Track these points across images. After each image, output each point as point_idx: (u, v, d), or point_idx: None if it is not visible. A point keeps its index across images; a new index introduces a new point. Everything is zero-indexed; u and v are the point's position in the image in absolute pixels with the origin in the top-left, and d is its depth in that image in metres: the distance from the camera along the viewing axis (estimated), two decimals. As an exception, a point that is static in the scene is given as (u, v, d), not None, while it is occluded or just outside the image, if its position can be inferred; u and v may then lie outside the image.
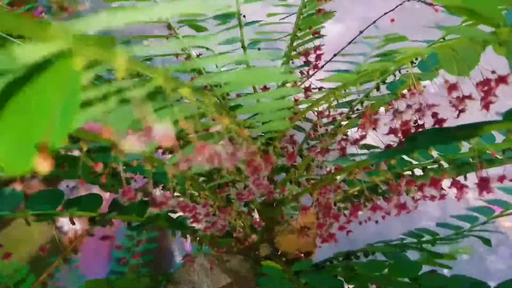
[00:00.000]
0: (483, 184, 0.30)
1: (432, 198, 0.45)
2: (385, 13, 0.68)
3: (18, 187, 0.21)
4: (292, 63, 0.59)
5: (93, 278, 1.09)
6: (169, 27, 0.60)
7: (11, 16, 0.14)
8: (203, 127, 0.28)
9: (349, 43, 0.56)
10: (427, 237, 0.65)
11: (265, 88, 0.53)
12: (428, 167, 0.45)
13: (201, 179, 0.54)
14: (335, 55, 0.57)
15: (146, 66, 0.17)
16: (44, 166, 0.15)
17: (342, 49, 0.56)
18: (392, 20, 0.71)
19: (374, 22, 0.69)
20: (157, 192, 0.33)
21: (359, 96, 0.53)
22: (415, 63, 0.42)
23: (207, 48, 0.65)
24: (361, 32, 0.68)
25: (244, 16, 0.59)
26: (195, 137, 0.21)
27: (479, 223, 0.63)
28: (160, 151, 0.50)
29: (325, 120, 0.54)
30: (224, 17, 0.59)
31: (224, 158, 0.24)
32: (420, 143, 0.25)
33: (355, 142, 0.41)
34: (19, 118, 0.15)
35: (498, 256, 1.53)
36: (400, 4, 0.67)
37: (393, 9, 0.68)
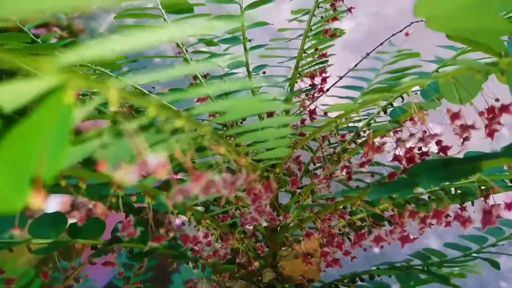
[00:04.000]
0: (487, 218, 0.29)
1: (439, 223, 0.44)
2: (396, 33, 0.68)
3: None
4: (301, 81, 0.59)
5: (99, 278, 1.08)
6: (177, 45, 0.61)
7: (3, 54, 0.14)
8: (201, 157, 0.28)
9: (355, 66, 0.56)
10: (434, 259, 0.64)
11: (270, 114, 0.53)
12: (433, 194, 0.44)
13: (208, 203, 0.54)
14: (340, 78, 0.57)
15: (139, 97, 0.17)
16: (37, 200, 0.16)
17: (346, 74, 0.56)
18: (407, 34, 0.71)
19: (382, 43, 0.69)
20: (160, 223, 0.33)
21: (368, 116, 0.53)
22: (420, 89, 0.42)
23: (217, 65, 0.65)
24: (368, 54, 0.68)
25: (249, 41, 0.60)
26: (192, 167, 0.21)
27: (488, 245, 0.62)
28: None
29: (333, 140, 0.54)
30: (230, 41, 0.60)
31: (223, 188, 0.24)
32: (423, 180, 0.25)
33: (361, 165, 0.41)
34: (12, 154, 0.15)
35: (510, 256, 1.48)
36: (409, 26, 0.67)
37: (402, 30, 0.68)
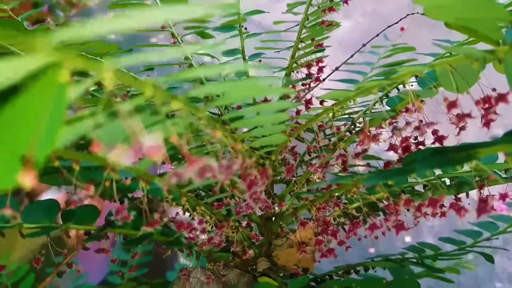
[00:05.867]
0: (482, 206, 0.29)
1: (434, 214, 0.44)
2: (392, 24, 0.68)
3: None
4: (297, 72, 0.59)
5: (93, 275, 1.07)
6: (172, 35, 0.61)
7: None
8: (197, 142, 0.27)
9: (350, 58, 0.56)
10: (428, 252, 0.64)
11: (265, 101, 0.53)
12: (428, 184, 0.44)
13: (201, 192, 0.54)
14: (336, 68, 0.56)
15: (134, 78, 0.17)
16: (28, 181, 0.15)
17: (341, 65, 0.56)
18: (402, 29, 0.71)
19: (378, 34, 0.69)
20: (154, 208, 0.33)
21: (364, 107, 0.53)
22: (416, 79, 0.42)
23: (212, 57, 0.65)
24: (364, 45, 0.68)
25: (245, 28, 0.59)
26: (187, 151, 0.21)
27: (482, 239, 0.63)
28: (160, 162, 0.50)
29: (328, 131, 0.54)
30: (225, 29, 0.59)
31: (218, 172, 0.24)
32: (418, 166, 0.25)
33: (356, 155, 0.41)
34: (4, 133, 0.15)
35: (504, 256, 1.49)
36: (405, 17, 0.67)
37: (398, 22, 0.67)
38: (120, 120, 0.18)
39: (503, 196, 0.41)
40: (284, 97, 0.55)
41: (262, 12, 0.59)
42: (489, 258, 0.61)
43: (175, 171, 0.19)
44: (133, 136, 0.17)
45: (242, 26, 0.59)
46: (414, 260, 0.63)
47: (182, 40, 0.60)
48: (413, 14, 0.61)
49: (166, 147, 0.18)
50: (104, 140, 0.18)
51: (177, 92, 0.57)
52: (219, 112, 0.57)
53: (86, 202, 0.29)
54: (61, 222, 0.42)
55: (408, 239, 1.34)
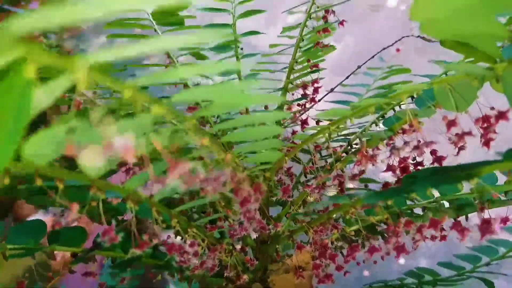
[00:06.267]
0: (485, 227, 0.28)
1: (433, 238, 0.43)
2: (387, 46, 0.68)
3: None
4: (292, 94, 0.58)
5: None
6: (168, 55, 0.60)
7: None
8: (186, 156, 0.26)
9: (346, 78, 0.56)
10: (427, 277, 0.63)
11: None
12: (428, 206, 0.43)
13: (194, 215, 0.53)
14: (332, 89, 0.56)
15: (111, 79, 0.16)
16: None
17: (337, 86, 0.55)
18: (398, 50, 0.70)
19: (373, 56, 0.69)
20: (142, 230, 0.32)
21: (359, 128, 0.52)
22: (414, 98, 0.41)
23: (207, 77, 0.65)
24: (359, 67, 0.67)
25: (241, 49, 0.59)
26: (168, 154, 0.20)
27: (482, 264, 0.61)
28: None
29: (324, 152, 0.53)
30: (222, 49, 0.59)
31: (206, 184, 0.22)
32: (419, 185, 0.23)
33: (353, 177, 0.40)
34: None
35: (503, 277, 1.45)
36: (400, 40, 0.67)
37: (393, 44, 0.67)
38: (98, 127, 0.16)
39: (504, 220, 0.40)
40: (280, 105, 0.54)
41: (257, 33, 0.59)
42: (489, 284, 0.59)
43: (157, 177, 0.18)
44: (107, 139, 0.15)
45: (239, 47, 0.59)
46: (413, 286, 0.61)
47: (177, 60, 0.60)
48: (408, 36, 0.60)
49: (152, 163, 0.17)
50: (81, 144, 0.17)
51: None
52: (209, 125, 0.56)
53: (74, 224, 0.28)
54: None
55: (402, 261, 1.31)
